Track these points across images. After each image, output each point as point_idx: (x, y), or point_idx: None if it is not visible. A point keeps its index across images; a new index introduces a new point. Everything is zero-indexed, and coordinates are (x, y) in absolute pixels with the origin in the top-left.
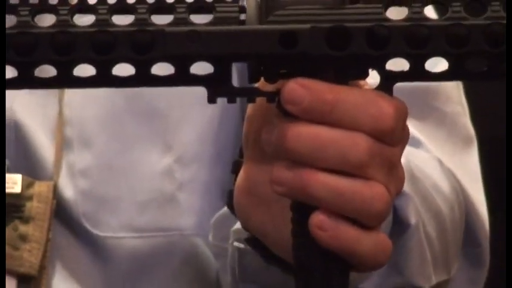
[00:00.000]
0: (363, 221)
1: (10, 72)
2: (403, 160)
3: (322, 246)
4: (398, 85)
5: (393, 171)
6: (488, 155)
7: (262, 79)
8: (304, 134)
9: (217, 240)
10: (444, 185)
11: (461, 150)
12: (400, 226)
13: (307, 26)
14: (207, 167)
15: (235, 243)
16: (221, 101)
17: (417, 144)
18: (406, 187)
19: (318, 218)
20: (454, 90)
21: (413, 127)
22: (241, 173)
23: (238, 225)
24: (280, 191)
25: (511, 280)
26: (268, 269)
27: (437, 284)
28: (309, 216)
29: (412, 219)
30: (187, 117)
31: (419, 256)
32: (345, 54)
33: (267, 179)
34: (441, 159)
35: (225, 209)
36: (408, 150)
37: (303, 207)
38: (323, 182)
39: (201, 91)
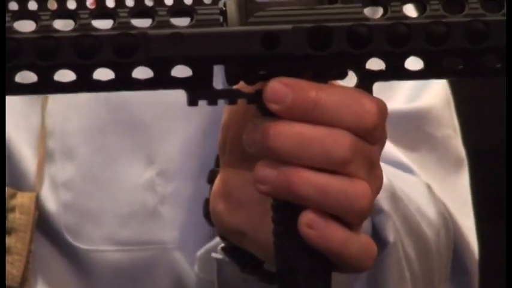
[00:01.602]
0: (346, 218)
1: None
2: (384, 179)
3: (310, 245)
4: (389, 112)
5: (373, 170)
6: (479, 165)
7: (241, 81)
8: (287, 132)
9: (203, 272)
10: (430, 211)
11: (451, 174)
12: (378, 243)
13: (289, 26)
14: (190, 180)
15: (213, 254)
16: (206, 113)
17: (408, 171)
18: (386, 205)
19: (307, 217)
20: (446, 111)
21: (404, 155)
22: (218, 180)
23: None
24: (264, 189)
25: None
26: (246, 280)
27: None
28: (291, 216)
29: (391, 237)
30: (171, 130)
31: (397, 274)
32: (326, 53)
33: (245, 182)
34: (430, 185)
35: (212, 243)
36: (396, 173)
37: (285, 207)
38: (307, 180)
39: (185, 102)
